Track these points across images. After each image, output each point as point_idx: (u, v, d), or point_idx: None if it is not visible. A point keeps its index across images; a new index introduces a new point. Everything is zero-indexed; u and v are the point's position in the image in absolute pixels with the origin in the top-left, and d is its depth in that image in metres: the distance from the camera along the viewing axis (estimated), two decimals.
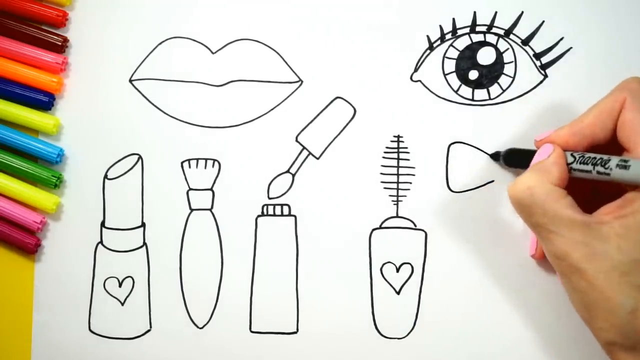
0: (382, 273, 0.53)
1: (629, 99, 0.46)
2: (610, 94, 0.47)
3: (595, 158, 0.45)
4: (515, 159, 0.51)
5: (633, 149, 0.45)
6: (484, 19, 0.53)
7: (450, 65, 0.54)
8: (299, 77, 0.54)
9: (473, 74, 0.53)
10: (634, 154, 0.45)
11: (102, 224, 0.54)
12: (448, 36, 0.54)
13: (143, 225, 0.54)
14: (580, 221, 0.44)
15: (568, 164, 0.47)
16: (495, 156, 0.53)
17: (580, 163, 0.46)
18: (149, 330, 0.54)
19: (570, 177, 0.47)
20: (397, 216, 0.54)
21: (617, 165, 0.43)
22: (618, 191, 0.46)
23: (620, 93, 0.46)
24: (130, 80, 0.54)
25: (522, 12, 0.53)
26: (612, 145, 0.47)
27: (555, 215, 0.44)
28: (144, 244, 0.54)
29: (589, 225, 0.43)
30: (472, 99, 0.54)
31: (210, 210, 0.54)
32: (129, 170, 0.54)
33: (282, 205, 0.54)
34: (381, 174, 0.54)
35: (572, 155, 0.47)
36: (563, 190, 0.45)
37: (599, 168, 0.44)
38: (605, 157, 0.45)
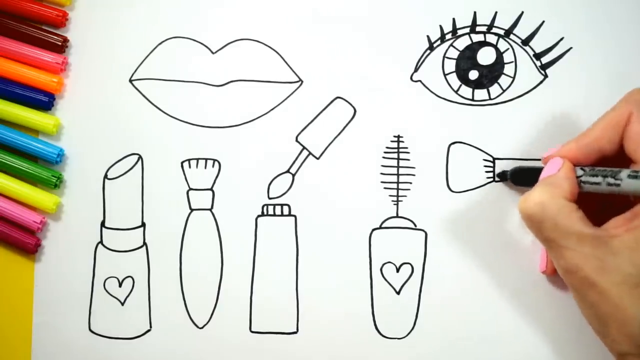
0: (382, 273, 0.53)
1: (636, 111, 0.46)
2: (616, 106, 0.47)
3: (605, 170, 0.45)
4: (523, 178, 0.51)
5: None
6: (484, 19, 0.53)
7: (451, 65, 0.54)
8: (299, 77, 0.54)
9: (473, 74, 0.54)
10: None
11: (102, 224, 0.54)
12: (448, 36, 0.54)
13: (143, 225, 0.54)
14: (591, 235, 0.44)
15: (577, 177, 0.46)
16: (502, 175, 0.52)
17: (590, 175, 0.46)
18: (149, 330, 0.54)
19: (580, 191, 0.46)
20: (397, 216, 0.54)
21: (629, 175, 0.43)
22: (626, 205, 0.45)
23: (626, 106, 0.46)
24: (130, 80, 0.54)
25: (522, 12, 0.53)
26: (618, 158, 0.47)
27: (567, 230, 0.44)
28: (144, 244, 0.54)
29: (600, 238, 0.43)
30: (472, 99, 0.54)
31: (210, 210, 0.54)
32: (129, 170, 0.54)
33: (282, 205, 0.54)
34: (381, 174, 0.54)
35: (581, 168, 0.47)
36: (574, 205, 0.45)
37: (610, 179, 0.44)
38: (615, 169, 0.45)
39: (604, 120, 0.47)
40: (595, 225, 0.45)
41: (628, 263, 0.43)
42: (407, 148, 0.54)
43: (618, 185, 0.44)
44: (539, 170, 0.49)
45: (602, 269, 0.43)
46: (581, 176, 0.46)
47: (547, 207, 0.45)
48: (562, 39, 0.53)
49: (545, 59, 0.53)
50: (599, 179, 0.45)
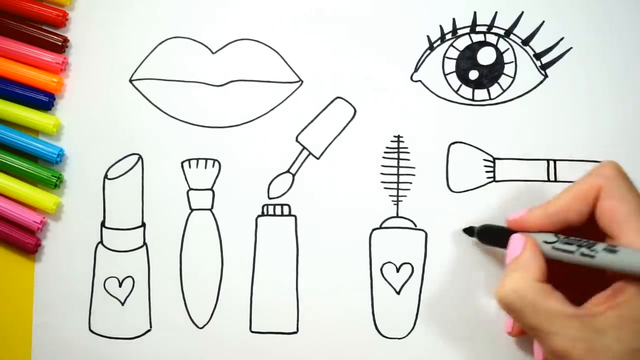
0: (382, 273, 0.53)
1: (605, 186, 0.45)
2: (585, 179, 0.46)
3: (580, 240, 0.44)
4: (489, 237, 0.51)
5: (617, 237, 0.44)
6: (484, 19, 0.53)
7: (451, 65, 0.54)
8: (299, 77, 0.54)
9: (473, 74, 0.54)
10: (618, 242, 0.43)
11: (102, 224, 0.54)
12: (448, 36, 0.54)
13: (143, 225, 0.54)
14: (574, 315, 0.43)
15: (550, 243, 0.46)
16: (469, 231, 0.52)
17: (564, 243, 0.45)
18: (149, 330, 0.54)
19: (550, 259, 0.46)
20: (397, 216, 0.54)
21: (605, 249, 0.42)
22: (597, 279, 0.45)
23: (595, 179, 0.45)
24: (130, 80, 0.54)
25: (522, 12, 0.53)
26: (584, 231, 0.46)
27: (549, 314, 0.43)
28: (144, 244, 0.54)
29: (583, 318, 0.43)
30: (472, 99, 0.54)
31: (210, 210, 0.54)
32: (129, 170, 0.54)
33: (282, 205, 0.54)
34: (381, 174, 0.54)
35: (555, 235, 0.46)
36: (549, 286, 0.44)
37: (584, 250, 0.43)
38: (590, 241, 0.44)
39: (572, 191, 0.46)
40: (568, 298, 0.44)
41: (616, 342, 0.42)
42: (407, 148, 0.54)
43: (592, 257, 0.43)
44: (505, 232, 0.48)
45: (592, 351, 0.42)
46: (554, 242, 0.46)
47: (523, 294, 0.44)
48: (562, 39, 0.53)
49: (545, 59, 0.53)
50: (573, 247, 0.44)
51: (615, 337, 0.42)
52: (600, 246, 0.43)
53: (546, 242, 0.46)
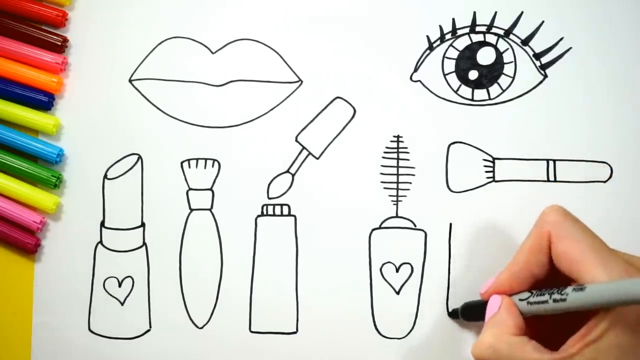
0: (381, 273, 0.53)
1: (553, 231, 0.45)
2: (533, 230, 0.46)
3: (551, 288, 0.44)
4: (471, 313, 0.51)
5: (581, 276, 0.43)
6: (483, 19, 0.53)
7: (450, 65, 0.54)
8: (299, 77, 0.54)
9: (473, 74, 0.54)
10: (584, 281, 0.43)
11: (102, 224, 0.54)
12: (448, 36, 0.54)
13: (143, 225, 0.54)
14: None
15: (524, 299, 0.46)
16: (453, 314, 0.52)
17: (537, 295, 0.45)
18: (148, 330, 0.54)
19: (529, 317, 0.46)
20: (397, 216, 0.54)
21: (574, 289, 0.42)
22: (578, 323, 0.44)
23: (542, 228, 0.46)
24: (130, 80, 0.54)
25: (522, 12, 0.53)
26: (551, 280, 0.46)
27: None
28: (144, 244, 0.54)
29: None
30: (472, 99, 0.54)
31: (210, 210, 0.54)
32: (128, 170, 0.54)
33: (282, 205, 0.54)
34: (381, 174, 0.54)
35: (529, 291, 0.46)
36: (524, 337, 0.45)
37: (556, 295, 0.43)
38: (561, 286, 0.44)
39: (526, 245, 0.47)
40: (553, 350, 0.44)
41: None
42: (406, 148, 0.54)
43: (564, 300, 0.43)
44: (484, 304, 0.48)
45: None
46: (528, 298, 0.46)
47: (497, 349, 0.45)
48: (561, 39, 0.53)
49: (545, 59, 0.53)
50: (545, 297, 0.44)
51: None
52: (569, 288, 0.43)
53: (521, 300, 0.46)
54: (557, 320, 0.46)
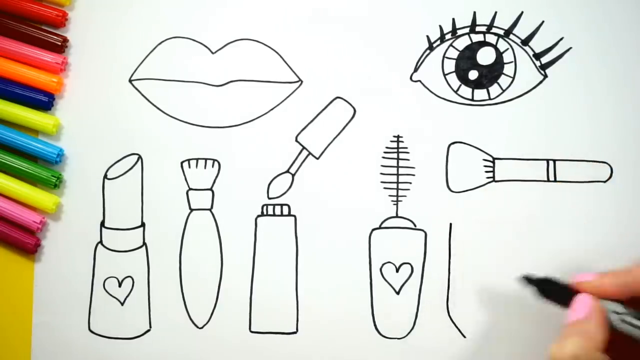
0: (381, 273, 0.53)
1: None
2: None
3: None
4: (549, 290, 0.47)
5: None
6: (483, 19, 0.53)
7: (450, 65, 0.54)
8: (299, 77, 0.54)
9: (473, 74, 0.54)
10: None
11: (102, 224, 0.54)
12: (448, 36, 0.54)
13: (143, 225, 0.54)
14: None
15: (618, 313, 0.44)
16: (527, 280, 0.48)
17: (634, 317, 0.43)
18: (148, 330, 0.54)
19: (615, 332, 0.44)
20: (397, 216, 0.54)
21: None
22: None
23: None
24: (130, 80, 0.54)
25: (522, 12, 0.53)
26: None
27: None
28: (144, 243, 0.54)
29: None
30: (472, 99, 0.54)
31: (210, 210, 0.54)
32: (128, 170, 0.54)
33: (282, 205, 0.54)
34: (381, 174, 0.54)
35: (624, 306, 0.44)
36: (607, 357, 0.43)
37: None
38: None
39: None
40: None
41: None
42: (406, 148, 0.54)
43: None
44: (567, 291, 0.46)
45: None
46: (624, 314, 0.44)
47: None
48: (561, 39, 0.53)
49: (544, 59, 0.53)
50: None
51: None
52: None
53: (616, 313, 0.44)
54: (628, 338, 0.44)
